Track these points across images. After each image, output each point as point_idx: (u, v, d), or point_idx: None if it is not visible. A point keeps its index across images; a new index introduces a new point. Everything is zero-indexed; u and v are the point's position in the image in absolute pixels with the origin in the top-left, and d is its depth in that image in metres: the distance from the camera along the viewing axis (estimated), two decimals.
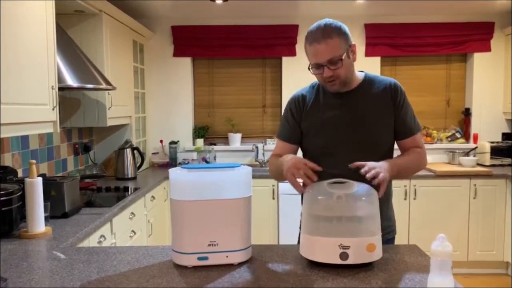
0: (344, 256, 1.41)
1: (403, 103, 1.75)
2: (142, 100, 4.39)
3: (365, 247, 1.42)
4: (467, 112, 4.67)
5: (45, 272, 1.52)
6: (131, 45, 3.95)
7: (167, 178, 3.09)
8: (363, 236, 1.43)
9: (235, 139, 4.66)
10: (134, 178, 3.76)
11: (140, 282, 1.38)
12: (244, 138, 4.72)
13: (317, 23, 1.65)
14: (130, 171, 3.75)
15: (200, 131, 4.66)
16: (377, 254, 1.45)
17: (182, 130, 4.68)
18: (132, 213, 2.91)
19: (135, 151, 3.87)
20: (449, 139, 4.65)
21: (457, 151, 4.46)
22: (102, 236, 2.35)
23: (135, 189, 3.23)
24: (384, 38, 4.53)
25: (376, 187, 1.52)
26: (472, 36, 4.51)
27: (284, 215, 4.08)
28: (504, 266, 4.16)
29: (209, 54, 4.59)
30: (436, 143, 4.64)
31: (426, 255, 1.59)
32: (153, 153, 4.63)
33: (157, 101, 4.65)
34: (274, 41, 4.53)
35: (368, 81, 1.78)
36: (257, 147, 4.62)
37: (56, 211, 2.28)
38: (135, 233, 2.94)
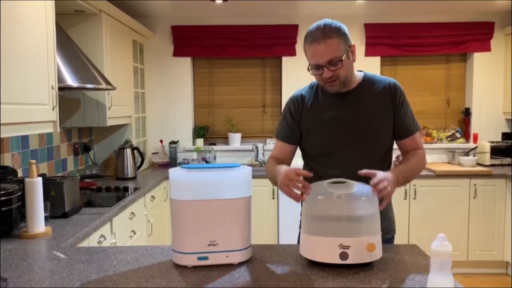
0: (344, 256, 1.41)
1: (402, 103, 1.75)
2: (142, 100, 4.39)
3: (365, 247, 1.42)
4: (467, 112, 4.67)
5: (45, 272, 1.52)
6: (131, 45, 3.95)
7: (167, 178, 3.09)
8: (363, 236, 1.43)
9: (235, 139, 4.66)
10: (134, 178, 3.76)
11: (140, 282, 1.38)
12: (244, 138, 4.72)
13: (317, 24, 1.65)
14: (130, 171, 3.75)
15: (200, 131, 4.66)
16: (377, 254, 1.45)
17: (182, 130, 4.68)
18: (132, 213, 2.91)
19: (135, 151, 3.87)
20: (449, 139, 4.65)
21: (457, 151, 4.46)
22: (102, 236, 2.35)
23: (135, 189, 3.23)
24: (384, 38, 4.53)
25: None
26: (472, 36, 4.51)
27: (284, 215, 4.08)
28: (504, 266, 4.16)
29: (209, 54, 4.59)
30: (436, 143, 4.64)
31: (426, 255, 1.59)
32: (153, 153, 4.63)
33: (157, 101, 4.65)
34: (274, 41, 4.53)
35: (368, 81, 1.78)
36: (257, 147, 4.62)
37: (56, 211, 2.28)
38: (135, 233, 2.94)
